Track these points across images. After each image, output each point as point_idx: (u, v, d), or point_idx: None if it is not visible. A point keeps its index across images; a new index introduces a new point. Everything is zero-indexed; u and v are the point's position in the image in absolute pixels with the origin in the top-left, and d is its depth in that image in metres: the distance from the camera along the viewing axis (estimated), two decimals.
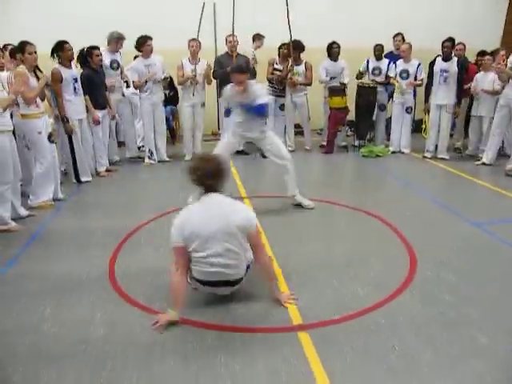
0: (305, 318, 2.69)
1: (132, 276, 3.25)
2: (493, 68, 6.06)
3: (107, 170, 6.07)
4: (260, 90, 4.30)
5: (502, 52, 6.26)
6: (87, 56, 5.65)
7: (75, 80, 5.34)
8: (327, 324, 2.63)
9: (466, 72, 6.56)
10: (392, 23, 7.63)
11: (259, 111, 4.26)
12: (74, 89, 5.33)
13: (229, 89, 4.36)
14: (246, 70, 4.26)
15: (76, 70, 5.46)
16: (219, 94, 6.71)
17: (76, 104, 5.38)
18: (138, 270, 3.34)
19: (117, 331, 2.61)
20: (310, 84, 7.04)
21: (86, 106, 5.61)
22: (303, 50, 6.85)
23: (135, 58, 6.41)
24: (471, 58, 7.10)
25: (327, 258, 3.53)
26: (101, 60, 5.77)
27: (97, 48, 5.71)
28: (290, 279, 3.15)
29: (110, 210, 4.70)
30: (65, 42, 5.17)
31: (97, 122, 5.76)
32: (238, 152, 6.83)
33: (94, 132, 5.81)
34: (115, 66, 6.24)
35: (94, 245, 3.81)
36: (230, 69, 4.34)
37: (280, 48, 6.93)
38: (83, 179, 5.60)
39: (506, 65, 5.78)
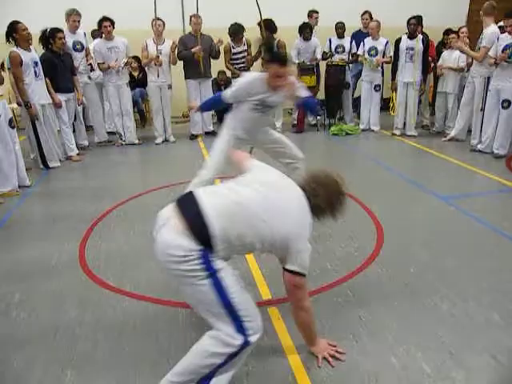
0: (274, 292, 2.75)
1: (103, 259, 3.25)
2: (453, 45, 6.17)
3: (78, 154, 5.96)
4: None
5: (463, 29, 6.38)
6: (50, 38, 5.48)
7: (35, 63, 5.16)
8: None
9: (428, 47, 6.65)
10: (359, 1, 7.65)
11: (311, 105, 3.48)
12: (35, 73, 5.16)
13: (257, 85, 3.20)
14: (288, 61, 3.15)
15: (36, 52, 5.28)
16: (186, 75, 6.64)
17: (38, 88, 5.22)
18: (109, 254, 3.33)
19: (88, 314, 2.61)
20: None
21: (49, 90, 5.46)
22: (276, 31, 6.61)
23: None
24: (436, 36, 7.20)
25: None
26: (63, 43, 5.60)
27: (60, 31, 5.54)
28: (259, 256, 3.20)
29: (79, 195, 4.63)
30: (17, 22, 4.96)
31: (58, 106, 5.60)
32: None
33: (59, 117, 5.68)
34: (79, 47, 6.09)
35: (64, 230, 3.77)
36: (268, 58, 3.21)
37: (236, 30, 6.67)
38: (51, 165, 5.49)
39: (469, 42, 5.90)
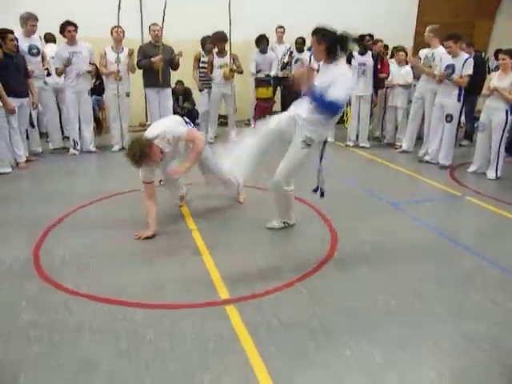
0: (231, 293, 2.82)
1: (58, 263, 3.20)
2: (409, 61, 6.56)
3: (27, 161, 5.79)
4: (343, 76, 3.23)
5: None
6: (0, 39, 5.33)
7: None
8: (253, 297, 2.77)
9: (381, 65, 7.02)
10: (312, 19, 7.94)
11: (329, 108, 3.19)
12: None
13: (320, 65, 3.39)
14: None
15: None
16: (145, 84, 6.65)
17: None
18: (64, 257, 3.29)
19: (43, 317, 2.57)
20: (242, 72, 7.13)
21: None
22: (226, 41, 6.77)
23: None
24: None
25: (253, 237, 3.69)
26: (15, 45, 5.44)
27: (10, 32, 5.39)
28: (216, 255, 3.27)
29: (30, 201, 4.50)
30: None
31: (11, 112, 5.42)
32: None
33: (8, 122, 5.49)
34: (34, 51, 5.95)
35: (16, 235, 3.69)
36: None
37: (206, 41, 6.93)
38: (1, 170, 5.30)
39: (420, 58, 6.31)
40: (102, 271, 3.10)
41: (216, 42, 6.71)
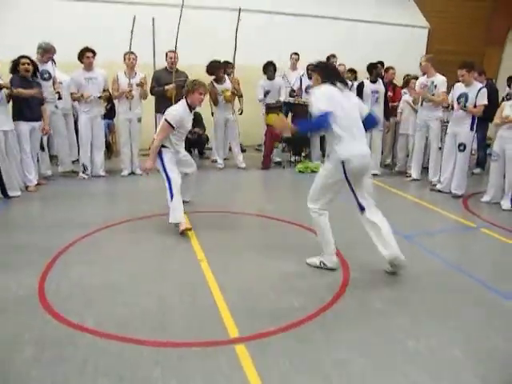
0: (241, 330, 2.71)
1: (63, 294, 3.12)
2: (413, 92, 6.55)
3: (37, 184, 5.79)
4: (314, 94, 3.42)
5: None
6: (16, 64, 5.44)
7: None
8: (263, 336, 2.66)
9: (393, 92, 7.03)
10: (327, 46, 8.04)
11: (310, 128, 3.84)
12: None
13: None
14: None
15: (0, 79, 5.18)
16: (157, 110, 6.66)
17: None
18: (70, 288, 3.21)
19: (46, 352, 2.48)
20: (241, 95, 7.20)
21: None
22: (222, 68, 6.88)
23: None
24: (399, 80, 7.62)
25: (263, 271, 3.59)
26: (27, 70, 5.50)
27: (25, 57, 5.48)
28: (226, 292, 3.17)
29: (39, 227, 4.47)
30: None
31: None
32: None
33: (20, 146, 5.52)
34: (46, 76, 6.03)
35: (23, 263, 3.61)
36: None
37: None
38: (11, 194, 5.30)
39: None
40: (109, 303, 3.02)
41: (213, 71, 6.77)
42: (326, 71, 3.51)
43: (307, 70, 7.40)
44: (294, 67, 7.89)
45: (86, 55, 6.02)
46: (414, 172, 6.65)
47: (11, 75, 5.44)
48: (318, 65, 3.61)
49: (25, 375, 2.30)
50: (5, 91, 5.23)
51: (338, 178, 3.41)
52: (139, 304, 3.02)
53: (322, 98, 3.31)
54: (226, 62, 6.95)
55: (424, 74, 6.28)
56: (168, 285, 3.29)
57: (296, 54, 7.79)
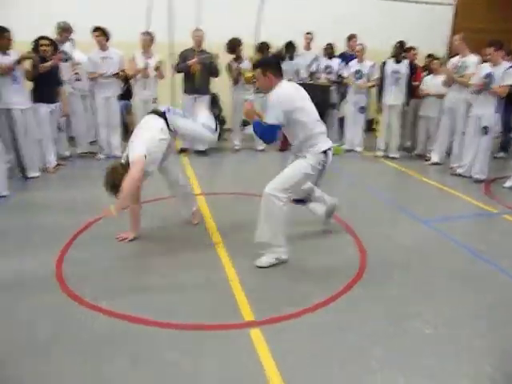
0: (256, 314, 2.70)
1: (80, 274, 3.15)
2: (442, 71, 6.33)
3: (57, 165, 5.83)
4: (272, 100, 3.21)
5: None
6: (36, 45, 5.45)
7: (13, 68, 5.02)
8: (278, 320, 2.65)
9: (415, 73, 6.83)
10: (346, 26, 7.83)
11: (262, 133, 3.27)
12: (13, 77, 5.05)
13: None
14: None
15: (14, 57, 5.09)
16: (184, 90, 6.64)
17: (16, 92, 5.10)
18: (86, 269, 3.24)
19: (64, 332, 2.52)
20: None
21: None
22: (239, 46, 6.78)
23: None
24: (420, 60, 7.38)
25: None
26: (45, 50, 5.48)
27: (44, 38, 5.48)
28: (241, 275, 3.16)
29: (57, 207, 4.52)
30: (5, 31, 4.91)
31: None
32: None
33: (40, 128, 5.55)
34: (64, 57, 6.01)
35: (41, 244, 3.66)
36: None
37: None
38: (30, 175, 5.35)
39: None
40: (126, 285, 3.04)
41: (233, 49, 6.68)
42: (277, 65, 3.30)
43: (325, 49, 7.25)
44: (307, 47, 7.71)
45: (94, 34, 6.02)
46: (436, 156, 6.47)
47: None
48: (264, 61, 3.48)
49: (42, 353, 2.34)
50: (23, 68, 5.22)
51: (317, 170, 3.32)
52: (155, 286, 3.04)
53: (279, 106, 3.15)
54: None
55: (456, 55, 6.05)
56: (183, 267, 3.29)
57: (309, 33, 7.56)
